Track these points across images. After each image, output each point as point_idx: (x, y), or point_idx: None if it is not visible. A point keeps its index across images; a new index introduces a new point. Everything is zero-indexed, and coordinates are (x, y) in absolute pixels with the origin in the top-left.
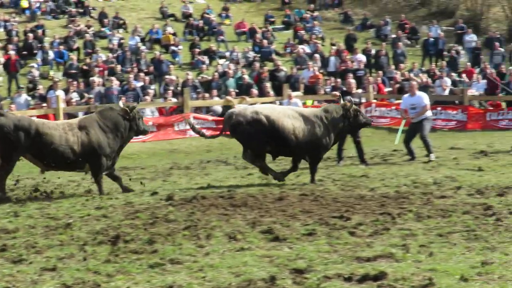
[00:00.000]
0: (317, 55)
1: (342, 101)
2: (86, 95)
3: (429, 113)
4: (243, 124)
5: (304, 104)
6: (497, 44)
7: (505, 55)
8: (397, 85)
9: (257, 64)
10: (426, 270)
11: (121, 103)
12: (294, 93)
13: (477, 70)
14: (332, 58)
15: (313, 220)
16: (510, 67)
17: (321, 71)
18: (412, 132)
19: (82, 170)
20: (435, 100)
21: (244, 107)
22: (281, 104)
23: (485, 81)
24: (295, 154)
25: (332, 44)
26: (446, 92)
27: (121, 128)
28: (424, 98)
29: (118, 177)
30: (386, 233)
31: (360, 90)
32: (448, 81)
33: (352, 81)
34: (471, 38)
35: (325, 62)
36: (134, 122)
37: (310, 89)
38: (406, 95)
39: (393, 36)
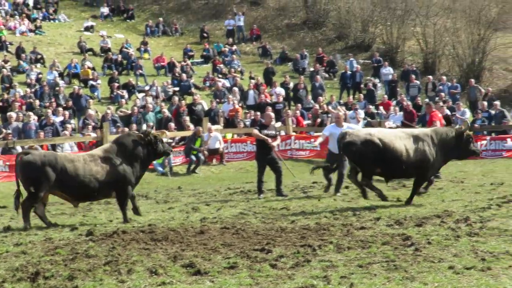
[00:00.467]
0: (236, 89)
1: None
2: (3, 130)
3: None
4: (356, 144)
5: (223, 137)
6: (413, 76)
7: (421, 87)
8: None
9: (176, 98)
10: None
11: (144, 126)
12: (214, 127)
13: (394, 102)
14: (251, 92)
15: (234, 253)
16: (426, 99)
17: (240, 104)
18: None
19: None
20: None
21: (358, 129)
22: (200, 137)
23: (401, 113)
24: (405, 175)
25: (251, 78)
26: (361, 124)
27: (140, 154)
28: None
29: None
30: (307, 265)
31: (278, 123)
32: (361, 113)
33: (270, 113)
34: (388, 71)
35: (244, 95)
36: (152, 146)
37: (230, 123)
38: (331, 125)
39: (311, 69)
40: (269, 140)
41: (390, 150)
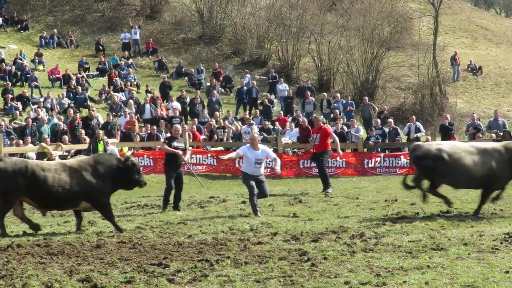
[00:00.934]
0: (131, 102)
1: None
2: None
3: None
4: (426, 158)
5: (120, 151)
6: (308, 93)
7: (316, 104)
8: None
9: (72, 111)
10: None
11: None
12: (110, 140)
13: (289, 118)
14: (148, 106)
15: (131, 267)
16: (321, 116)
17: (136, 118)
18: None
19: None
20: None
21: (430, 143)
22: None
23: (297, 129)
24: (471, 186)
25: (148, 91)
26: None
27: (113, 175)
28: (269, 151)
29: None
30: (204, 280)
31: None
32: (256, 128)
33: (178, 126)
34: (284, 87)
35: (140, 109)
36: (127, 173)
37: (127, 136)
38: (247, 146)
39: (208, 84)
40: (180, 152)
41: (458, 165)
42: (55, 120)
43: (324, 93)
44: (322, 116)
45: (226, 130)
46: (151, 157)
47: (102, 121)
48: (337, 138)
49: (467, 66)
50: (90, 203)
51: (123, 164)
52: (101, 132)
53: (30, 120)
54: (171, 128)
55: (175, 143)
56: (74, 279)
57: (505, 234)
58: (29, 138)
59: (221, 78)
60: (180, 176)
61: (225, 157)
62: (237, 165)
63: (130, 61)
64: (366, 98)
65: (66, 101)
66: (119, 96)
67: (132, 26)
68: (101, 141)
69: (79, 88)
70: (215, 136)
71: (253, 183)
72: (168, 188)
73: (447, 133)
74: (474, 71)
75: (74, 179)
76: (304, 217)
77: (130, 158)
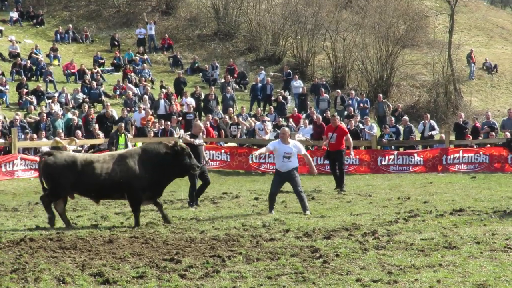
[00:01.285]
0: (146, 97)
1: None
2: None
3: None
4: None
5: (134, 146)
6: (322, 90)
7: (330, 101)
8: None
9: (86, 106)
10: None
11: (179, 134)
12: None
13: (303, 115)
14: (162, 101)
15: (143, 262)
16: (335, 113)
17: (150, 113)
18: (281, 182)
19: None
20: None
21: None
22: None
23: (311, 126)
24: None
25: (162, 87)
26: (269, 136)
27: (162, 163)
28: (301, 146)
29: (159, 204)
30: (216, 276)
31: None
32: (269, 125)
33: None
34: (298, 84)
35: (155, 104)
36: (178, 158)
37: (141, 132)
38: (277, 141)
39: (222, 80)
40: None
41: None
42: (69, 115)
43: (338, 90)
44: (336, 113)
45: (240, 126)
46: None
47: (116, 117)
48: (350, 138)
49: (482, 64)
50: (125, 191)
51: (172, 150)
52: (122, 125)
53: (45, 114)
54: (184, 124)
55: (196, 141)
56: (86, 274)
57: None
58: (43, 133)
59: (235, 75)
60: (204, 171)
61: (256, 153)
62: (250, 162)
63: (145, 56)
64: (381, 95)
65: (80, 96)
66: (133, 90)
67: (148, 21)
68: (123, 134)
69: (94, 83)
70: (222, 132)
71: (277, 181)
72: (193, 185)
73: (461, 132)
74: (489, 70)
75: (120, 168)
76: (316, 214)
77: (178, 143)
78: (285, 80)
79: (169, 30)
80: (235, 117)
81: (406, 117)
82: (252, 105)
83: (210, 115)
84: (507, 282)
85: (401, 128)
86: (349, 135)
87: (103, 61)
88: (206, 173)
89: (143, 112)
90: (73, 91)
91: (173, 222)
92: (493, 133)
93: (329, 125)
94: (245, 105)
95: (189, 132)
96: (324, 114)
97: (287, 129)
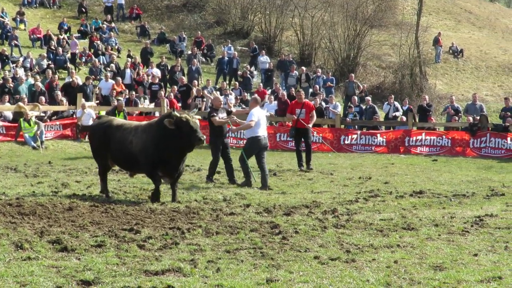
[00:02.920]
0: (112, 65)
1: None
2: None
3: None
4: None
5: (97, 114)
6: (294, 66)
7: (297, 77)
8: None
9: (50, 72)
10: (213, 286)
11: (194, 110)
12: (87, 103)
13: (269, 91)
14: (128, 70)
15: (102, 231)
16: (300, 89)
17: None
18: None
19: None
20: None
21: None
22: (74, 113)
23: (276, 102)
24: None
25: (129, 56)
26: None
27: (166, 137)
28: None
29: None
30: (175, 247)
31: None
32: (232, 99)
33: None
34: (265, 59)
35: (121, 74)
36: (184, 131)
37: (105, 100)
38: (257, 108)
39: (189, 52)
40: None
41: None
42: (32, 81)
43: (303, 67)
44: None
45: (205, 99)
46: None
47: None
48: (315, 114)
49: (449, 48)
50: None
51: (174, 122)
52: (123, 103)
53: (9, 79)
54: (150, 94)
55: (219, 115)
56: (44, 240)
57: (475, 217)
58: (6, 97)
59: (202, 47)
60: (227, 146)
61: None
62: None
63: (113, 25)
64: (352, 75)
65: (45, 62)
66: (99, 60)
67: None
68: (121, 113)
69: (60, 49)
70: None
71: (257, 149)
72: (215, 160)
73: (424, 114)
74: (456, 54)
75: (136, 140)
76: (277, 190)
77: (171, 113)
78: (252, 56)
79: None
80: (200, 89)
81: (369, 97)
82: (217, 79)
83: (175, 87)
84: (463, 265)
85: (363, 108)
86: (314, 112)
87: (67, 27)
88: (228, 149)
89: (109, 80)
90: (39, 57)
91: (182, 202)
92: (456, 118)
93: (294, 102)
94: (211, 78)
95: (210, 106)
96: (290, 91)
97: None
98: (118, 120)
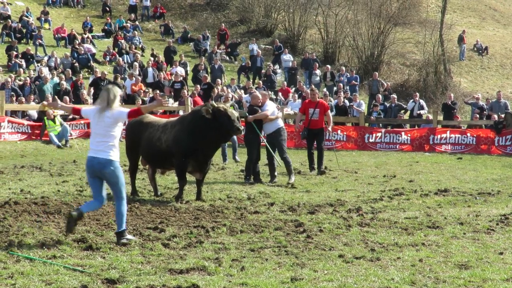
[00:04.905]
0: (136, 64)
1: None
2: None
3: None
4: None
5: None
6: (316, 64)
7: (320, 75)
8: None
9: (70, 71)
10: (238, 284)
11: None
12: None
13: (293, 89)
14: (150, 69)
15: (127, 230)
16: (325, 89)
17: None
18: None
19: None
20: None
21: None
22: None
23: (300, 100)
24: None
25: (153, 55)
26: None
27: (201, 127)
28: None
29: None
30: (199, 246)
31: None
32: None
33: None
34: (288, 57)
35: (143, 72)
36: (218, 122)
37: (130, 99)
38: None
39: (210, 51)
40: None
41: None
42: (57, 79)
43: (328, 66)
44: (325, 89)
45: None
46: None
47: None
48: (331, 114)
49: (473, 46)
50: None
51: (210, 114)
52: (140, 100)
53: (32, 78)
54: (174, 93)
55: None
56: (69, 239)
57: (501, 215)
58: (31, 96)
59: (227, 42)
60: (259, 145)
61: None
62: None
63: (137, 23)
64: (376, 73)
65: (69, 60)
66: (123, 60)
67: None
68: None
69: (82, 48)
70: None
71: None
72: (250, 159)
73: (449, 112)
74: (480, 51)
75: (165, 136)
76: (302, 189)
77: (212, 105)
78: (276, 54)
79: None
80: (224, 88)
81: (394, 95)
82: (239, 77)
83: (198, 86)
84: (488, 264)
85: (388, 106)
86: (329, 112)
87: (90, 27)
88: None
89: (133, 79)
90: (63, 56)
91: (206, 201)
92: (476, 116)
93: (307, 100)
94: (235, 77)
95: (248, 105)
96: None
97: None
98: (150, 117)
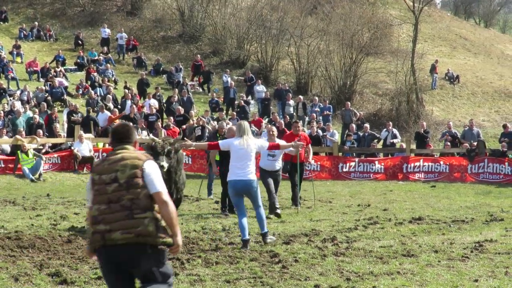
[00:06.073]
0: (109, 97)
1: None
2: None
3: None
4: None
5: (95, 146)
6: (290, 95)
7: (294, 106)
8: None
9: (45, 105)
10: None
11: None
12: (85, 135)
13: (265, 120)
14: (128, 102)
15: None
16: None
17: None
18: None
19: None
20: None
21: None
22: (71, 146)
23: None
24: None
25: (126, 88)
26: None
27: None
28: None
29: None
30: (174, 278)
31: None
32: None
33: (273, 127)
34: (261, 88)
35: (121, 105)
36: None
37: (104, 132)
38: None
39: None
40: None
41: None
42: (30, 113)
43: (300, 96)
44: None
45: (206, 129)
46: None
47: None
48: (311, 148)
49: (445, 74)
50: None
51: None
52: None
53: (4, 112)
54: (147, 125)
55: None
56: (44, 273)
57: (475, 242)
58: (4, 131)
59: (200, 77)
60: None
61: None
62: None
63: (109, 56)
64: (349, 103)
65: (43, 94)
66: (96, 93)
67: (119, 30)
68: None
69: (57, 81)
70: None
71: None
72: (224, 191)
73: (422, 140)
74: (452, 80)
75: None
76: (276, 219)
77: (154, 139)
78: (248, 85)
79: (133, 31)
80: (198, 118)
81: (367, 125)
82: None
83: (171, 117)
84: None
85: (361, 135)
86: (310, 145)
87: (62, 60)
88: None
89: (106, 112)
90: (36, 89)
91: (181, 232)
92: (448, 143)
93: (289, 133)
94: (208, 108)
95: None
96: (285, 120)
97: (274, 127)
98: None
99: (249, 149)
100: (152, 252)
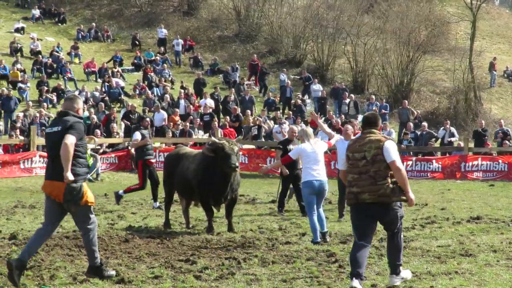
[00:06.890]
0: (167, 96)
1: None
2: None
3: None
4: None
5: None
6: (346, 94)
7: (351, 105)
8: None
9: (103, 105)
10: None
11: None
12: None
13: (322, 118)
14: (182, 101)
15: (159, 263)
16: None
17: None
18: None
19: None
20: None
21: None
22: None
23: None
24: None
25: (182, 87)
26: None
27: (210, 162)
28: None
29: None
30: (231, 278)
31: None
32: (286, 128)
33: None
34: (317, 87)
35: (174, 104)
36: (219, 157)
37: (159, 132)
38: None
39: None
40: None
41: None
42: (87, 113)
43: (352, 95)
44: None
45: (262, 128)
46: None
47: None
48: None
49: (503, 72)
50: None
51: (213, 150)
52: (170, 132)
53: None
54: (203, 125)
55: (290, 146)
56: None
57: None
58: None
59: (257, 76)
60: (297, 179)
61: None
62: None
63: (165, 56)
64: (406, 102)
65: (99, 94)
66: (153, 92)
67: (175, 34)
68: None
69: (113, 82)
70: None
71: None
72: (283, 191)
73: (480, 139)
74: (510, 78)
75: (191, 167)
76: (333, 218)
77: (213, 139)
78: (305, 84)
79: (190, 31)
80: (255, 118)
81: (424, 123)
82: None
83: (228, 117)
84: None
85: (419, 133)
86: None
87: (119, 61)
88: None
89: (162, 111)
90: (93, 90)
91: (237, 232)
92: (506, 142)
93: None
94: (265, 108)
95: (282, 139)
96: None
97: (349, 127)
98: (186, 149)
99: (319, 151)
100: (389, 208)
